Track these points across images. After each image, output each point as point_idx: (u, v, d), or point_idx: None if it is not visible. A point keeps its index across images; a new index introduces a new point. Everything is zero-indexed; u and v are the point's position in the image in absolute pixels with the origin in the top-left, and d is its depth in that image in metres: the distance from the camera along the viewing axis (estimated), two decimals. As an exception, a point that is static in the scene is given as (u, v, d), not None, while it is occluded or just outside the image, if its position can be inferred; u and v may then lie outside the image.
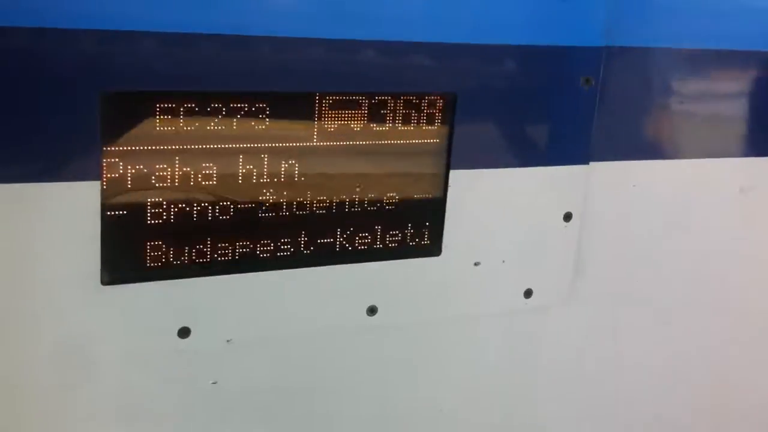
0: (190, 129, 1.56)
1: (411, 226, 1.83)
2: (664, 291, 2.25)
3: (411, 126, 1.75)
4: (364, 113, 1.70)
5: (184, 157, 1.56)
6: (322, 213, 1.73)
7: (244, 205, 1.65)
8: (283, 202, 1.68)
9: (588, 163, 1.97)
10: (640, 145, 2.08)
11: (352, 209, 1.76)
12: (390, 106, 1.72)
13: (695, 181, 2.17)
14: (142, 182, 1.55)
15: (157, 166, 1.55)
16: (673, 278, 2.24)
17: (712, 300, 2.32)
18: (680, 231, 2.20)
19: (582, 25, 1.84)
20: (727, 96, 2.16)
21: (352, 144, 1.72)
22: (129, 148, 1.52)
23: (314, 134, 1.68)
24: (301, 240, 1.73)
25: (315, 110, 1.66)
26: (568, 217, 2.00)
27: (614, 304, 2.19)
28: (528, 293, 2.02)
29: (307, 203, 1.71)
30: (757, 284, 2.37)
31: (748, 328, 2.41)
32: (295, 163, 1.67)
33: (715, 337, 2.37)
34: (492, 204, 1.91)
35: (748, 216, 2.27)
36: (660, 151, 2.12)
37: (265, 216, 1.68)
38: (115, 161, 1.51)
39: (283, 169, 1.66)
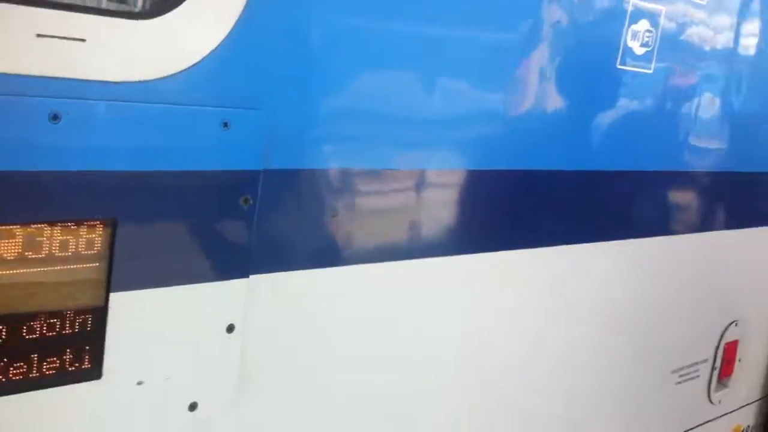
0: None
1: (70, 351, 1.77)
2: (327, 400, 2.37)
3: (69, 252, 1.71)
4: (20, 241, 1.64)
5: None
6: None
7: None
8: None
9: (248, 276, 2.06)
10: (299, 255, 2.21)
11: (5, 336, 1.67)
12: (47, 234, 1.67)
13: (353, 288, 2.34)
14: None
15: None
16: (334, 386, 2.38)
17: (376, 407, 2.51)
18: (339, 338, 2.35)
19: (241, 151, 1.94)
20: (377, 209, 2.37)
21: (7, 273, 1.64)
22: None
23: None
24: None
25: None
26: (230, 329, 2.05)
27: (280, 411, 2.27)
28: (193, 406, 2.03)
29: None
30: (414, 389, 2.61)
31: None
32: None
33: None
34: (154, 322, 1.91)
35: (402, 318, 2.50)
36: (319, 260, 2.26)
37: None
38: None
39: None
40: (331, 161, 2.19)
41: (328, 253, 2.27)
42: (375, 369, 2.46)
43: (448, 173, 2.46)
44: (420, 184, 2.41)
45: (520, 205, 2.67)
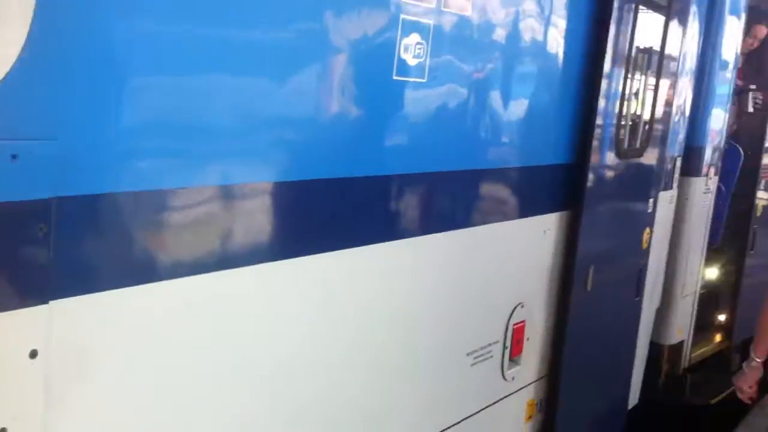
0: None
1: None
2: (141, 418, 2.45)
3: None
4: None
5: None
6: None
7: None
8: None
9: (48, 302, 2.12)
10: (101, 277, 2.29)
11: None
12: None
13: (158, 305, 2.44)
14: None
15: None
16: (146, 404, 2.46)
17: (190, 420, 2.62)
18: (147, 356, 2.44)
19: (32, 181, 2.01)
20: (174, 227, 2.48)
21: None
22: None
23: None
24: None
25: None
26: (33, 354, 2.11)
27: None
28: (1, 432, 2.07)
29: None
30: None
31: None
32: None
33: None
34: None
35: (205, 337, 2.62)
36: (120, 280, 2.33)
37: None
38: None
39: None
40: (128, 184, 2.30)
41: (129, 272, 2.37)
42: (187, 384, 2.57)
43: (237, 187, 2.61)
44: (214, 199, 2.55)
45: (308, 214, 2.87)
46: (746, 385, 4.34)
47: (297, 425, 3.00)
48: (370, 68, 2.98)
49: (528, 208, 4.03)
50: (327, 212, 2.95)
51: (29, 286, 2.07)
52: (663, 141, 5.19)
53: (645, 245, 5.11)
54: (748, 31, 7.05)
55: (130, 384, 2.41)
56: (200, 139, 2.48)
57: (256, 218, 2.71)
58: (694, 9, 5.32)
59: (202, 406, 2.63)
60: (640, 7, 4.29)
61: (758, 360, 4.26)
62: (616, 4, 4.08)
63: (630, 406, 5.58)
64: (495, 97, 3.61)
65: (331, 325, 3.05)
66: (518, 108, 3.79)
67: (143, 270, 2.40)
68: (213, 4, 2.43)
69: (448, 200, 3.54)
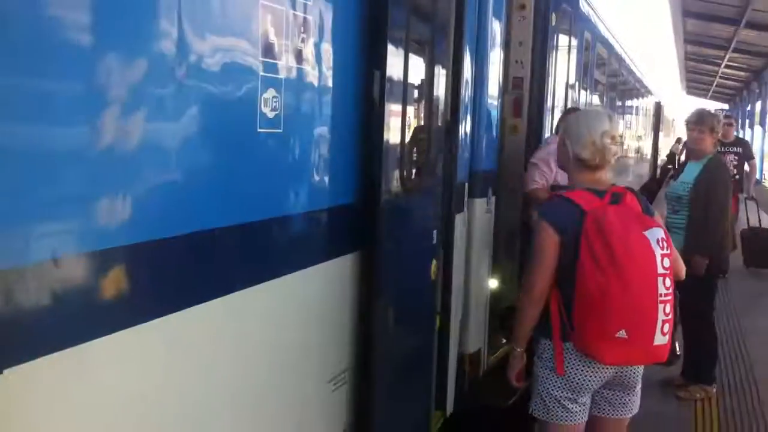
0: None
1: None
2: None
3: None
4: None
5: None
6: None
7: None
8: None
9: None
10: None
11: None
12: None
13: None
14: None
15: None
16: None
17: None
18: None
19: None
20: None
21: None
22: None
23: None
24: None
25: None
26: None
27: None
28: None
29: None
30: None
31: None
32: None
33: None
34: None
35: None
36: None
37: None
38: None
39: None
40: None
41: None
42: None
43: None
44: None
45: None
46: (513, 375, 4.77)
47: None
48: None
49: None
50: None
51: None
52: (447, 170, 5.56)
53: (434, 276, 5.33)
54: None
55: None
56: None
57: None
58: (466, 45, 5.88)
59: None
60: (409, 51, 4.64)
61: (519, 350, 4.70)
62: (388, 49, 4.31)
63: (447, 414, 6.01)
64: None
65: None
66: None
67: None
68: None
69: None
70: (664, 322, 4.24)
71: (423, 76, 5.12)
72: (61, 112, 2.45)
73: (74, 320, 2.54)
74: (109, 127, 2.62)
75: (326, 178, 4.00)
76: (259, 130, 3.38)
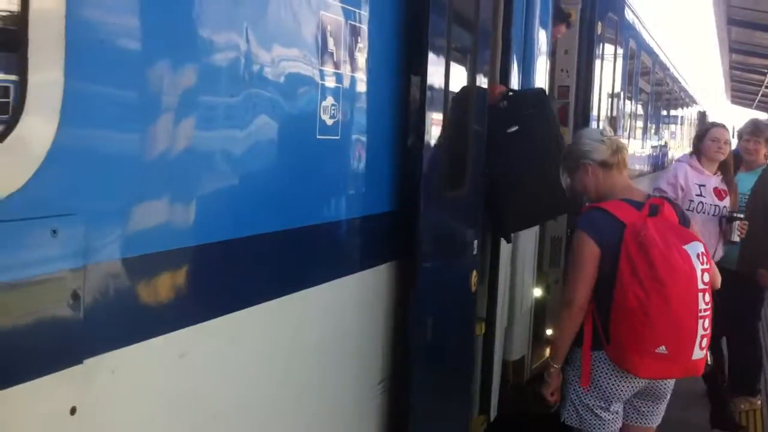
0: None
1: None
2: None
3: None
4: None
5: None
6: None
7: None
8: None
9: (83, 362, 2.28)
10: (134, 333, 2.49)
11: None
12: None
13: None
14: None
15: None
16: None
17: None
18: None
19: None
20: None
21: None
22: None
23: None
24: None
25: None
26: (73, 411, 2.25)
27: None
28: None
29: None
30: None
31: None
32: None
33: None
34: None
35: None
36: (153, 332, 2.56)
37: None
38: None
39: None
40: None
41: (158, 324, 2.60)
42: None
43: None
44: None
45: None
46: (548, 392, 4.77)
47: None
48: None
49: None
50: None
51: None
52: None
53: (474, 288, 5.23)
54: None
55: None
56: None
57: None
58: (513, 54, 5.92)
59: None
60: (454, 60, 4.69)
61: (556, 366, 4.71)
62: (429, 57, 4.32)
63: (491, 418, 6.05)
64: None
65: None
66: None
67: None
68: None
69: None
70: (702, 336, 4.24)
71: (467, 84, 5.17)
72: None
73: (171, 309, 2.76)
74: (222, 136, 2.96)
75: (374, 185, 4.09)
76: (318, 137, 3.48)
